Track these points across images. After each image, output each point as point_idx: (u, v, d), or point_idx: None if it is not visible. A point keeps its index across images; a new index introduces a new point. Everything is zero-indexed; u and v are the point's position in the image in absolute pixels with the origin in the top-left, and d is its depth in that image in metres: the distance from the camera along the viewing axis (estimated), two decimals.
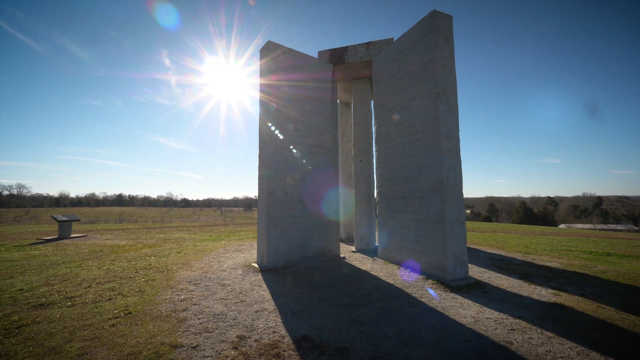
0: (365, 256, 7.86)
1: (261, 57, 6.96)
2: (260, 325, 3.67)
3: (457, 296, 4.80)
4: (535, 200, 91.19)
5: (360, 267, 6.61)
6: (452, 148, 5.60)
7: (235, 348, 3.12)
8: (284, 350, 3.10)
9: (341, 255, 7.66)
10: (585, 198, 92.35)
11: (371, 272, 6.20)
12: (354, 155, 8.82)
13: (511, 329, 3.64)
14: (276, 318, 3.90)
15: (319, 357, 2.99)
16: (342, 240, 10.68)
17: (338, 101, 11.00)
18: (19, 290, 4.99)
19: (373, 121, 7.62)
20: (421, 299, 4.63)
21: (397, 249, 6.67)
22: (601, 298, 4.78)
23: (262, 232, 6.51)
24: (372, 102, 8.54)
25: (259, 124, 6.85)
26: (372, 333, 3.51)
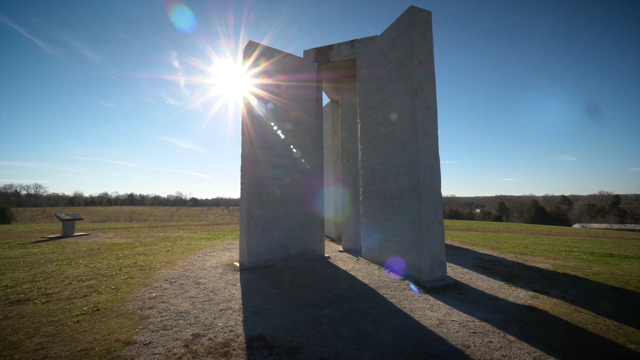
0: (350, 256, 7.81)
1: (244, 57, 7.00)
2: (220, 324, 3.70)
3: (429, 297, 4.72)
4: (549, 199, 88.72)
5: (341, 267, 6.58)
6: (429, 146, 5.50)
7: (187, 346, 3.16)
8: (234, 350, 3.11)
9: (326, 255, 7.63)
10: (602, 197, 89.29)
11: (350, 272, 6.16)
12: (341, 155, 8.77)
13: (473, 332, 3.55)
14: (238, 317, 3.92)
15: (267, 357, 2.99)
16: (333, 240, 10.65)
17: (329, 100, 10.96)
18: (4, 286, 5.17)
19: (358, 119, 7.55)
20: (391, 300, 4.58)
21: (379, 249, 6.60)
22: (582, 301, 4.62)
23: (243, 231, 6.56)
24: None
25: (242, 123, 6.88)
26: (328, 334, 3.49)
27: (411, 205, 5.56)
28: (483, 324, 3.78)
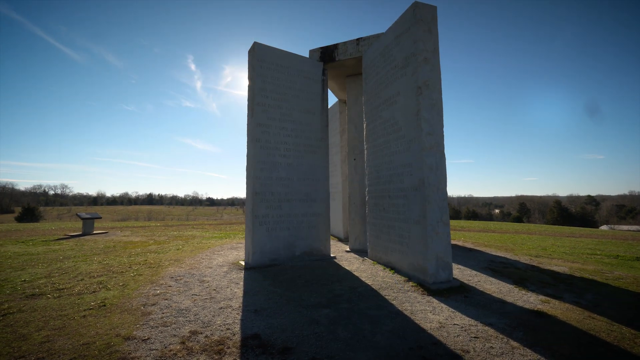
0: (356, 256, 7.74)
1: (249, 59, 7.06)
2: (218, 322, 3.74)
3: (433, 300, 4.60)
4: (573, 199, 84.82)
5: (345, 268, 6.52)
6: (435, 145, 5.36)
7: (183, 343, 3.21)
8: (228, 347, 3.14)
9: (332, 255, 7.60)
10: (632, 197, 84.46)
11: (354, 273, 6.09)
12: (347, 154, 8.71)
13: (474, 337, 3.43)
14: (237, 315, 3.95)
15: (259, 356, 2.99)
16: (341, 240, 10.59)
17: (337, 99, 10.91)
18: (22, 281, 5.45)
19: (364, 118, 7.47)
20: (392, 302, 4.49)
21: (384, 249, 6.50)
22: (598, 307, 4.37)
23: (248, 231, 6.62)
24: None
25: (247, 124, 6.95)
26: (324, 334, 3.46)
27: (416, 205, 5.44)
28: (486, 328, 3.65)
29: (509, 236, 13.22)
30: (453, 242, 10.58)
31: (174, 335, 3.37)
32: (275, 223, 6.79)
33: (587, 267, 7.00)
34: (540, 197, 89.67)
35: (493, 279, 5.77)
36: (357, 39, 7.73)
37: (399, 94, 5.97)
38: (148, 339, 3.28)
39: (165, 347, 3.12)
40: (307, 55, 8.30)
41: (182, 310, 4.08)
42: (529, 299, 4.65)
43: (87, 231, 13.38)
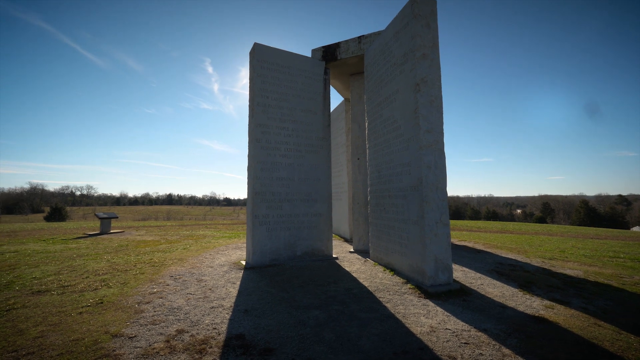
0: (359, 257, 7.63)
1: (250, 60, 7.11)
2: (206, 321, 3.77)
3: (429, 303, 4.45)
4: (602, 199, 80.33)
5: (345, 268, 6.44)
6: (433, 143, 5.19)
7: (167, 341, 3.25)
8: (210, 347, 3.15)
9: (334, 256, 7.52)
10: None
11: (353, 274, 6.00)
12: (351, 154, 8.60)
13: (465, 343, 3.28)
14: (226, 315, 3.97)
15: (239, 357, 2.99)
16: (347, 241, 10.49)
17: (343, 98, 10.81)
18: (33, 277, 5.72)
19: (366, 117, 7.36)
20: (386, 304, 4.38)
21: (385, 250, 6.37)
22: (607, 314, 4.09)
23: (249, 230, 6.66)
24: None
25: (248, 124, 7.00)
26: (309, 336, 3.41)
27: (414, 205, 5.29)
28: (479, 334, 3.48)
29: (527, 237, 12.66)
30: (462, 243, 10.25)
31: (161, 334, 3.42)
32: (275, 223, 6.80)
33: (605, 270, 6.59)
34: (566, 196, 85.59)
35: (497, 282, 5.52)
36: (359, 37, 7.63)
37: (398, 92, 5.83)
38: (135, 336, 3.35)
39: (150, 345, 3.17)
40: (310, 55, 8.27)
41: (174, 309, 4.15)
42: (532, 304, 4.41)
43: (104, 230, 13.93)
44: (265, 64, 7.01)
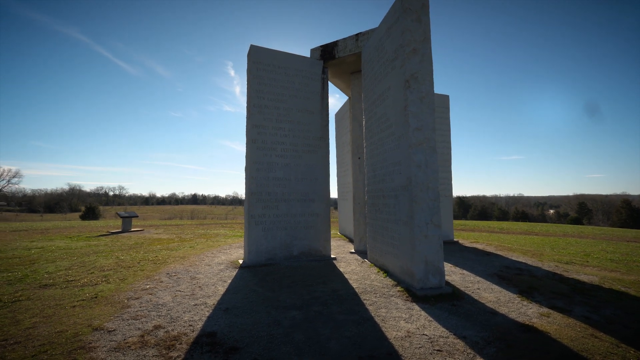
0: (358, 258, 7.51)
1: (247, 61, 7.21)
2: (185, 318, 3.87)
3: (414, 307, 4.29)
4: None
5: (340, 269, 6.36)
6: (423, 141, 5.00)
7: (142, 336, 3.37)
8: (180, 344, 3.23)
9: (332, 256, 7.46)
10: None
11: (345, 275, 5.92)
12: (351, 153, 8.49)
13: (437, 350, 3.13)
14: (206, 313, 4.05)
15: (204, 354, 3.03)
16: (351, 241, 10.36)
17: (347, 97, 10.69)
18: (45, 272, 6.14)
19: (363, 115, 7.24)
20: (368, 307, 4.27)
21: (380, 251, 6.23)
22: (611, 325, 3.75)
23: (246, 230, 6.76)
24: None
25: (245, 125, 7.11)
26: (279, 336, 3.40)
27: (404, 205, 5.13)
28: (457, 341, 3.31)
29: (551, 239, 11.86)
30: (473, 245, 9.80)
31: (138, 329, 3.55)
32: (271, 223, 6.85)
33: (627, 277, 6.05)
34: (606, 196, 79.28)
35: (496, 286, 5.23)
36: (357, 35, 7.51)
37: (389, 89, 5.68)
38: (114, 330, 3.50)
39: (124, 340, 3.30)
40: (309, 55, 8.26)
41: (159, 305, 4.29)
42: (526, 311, 4.13)
43: (125, 228, 14.71)
44: (261, 66, 7.08)
